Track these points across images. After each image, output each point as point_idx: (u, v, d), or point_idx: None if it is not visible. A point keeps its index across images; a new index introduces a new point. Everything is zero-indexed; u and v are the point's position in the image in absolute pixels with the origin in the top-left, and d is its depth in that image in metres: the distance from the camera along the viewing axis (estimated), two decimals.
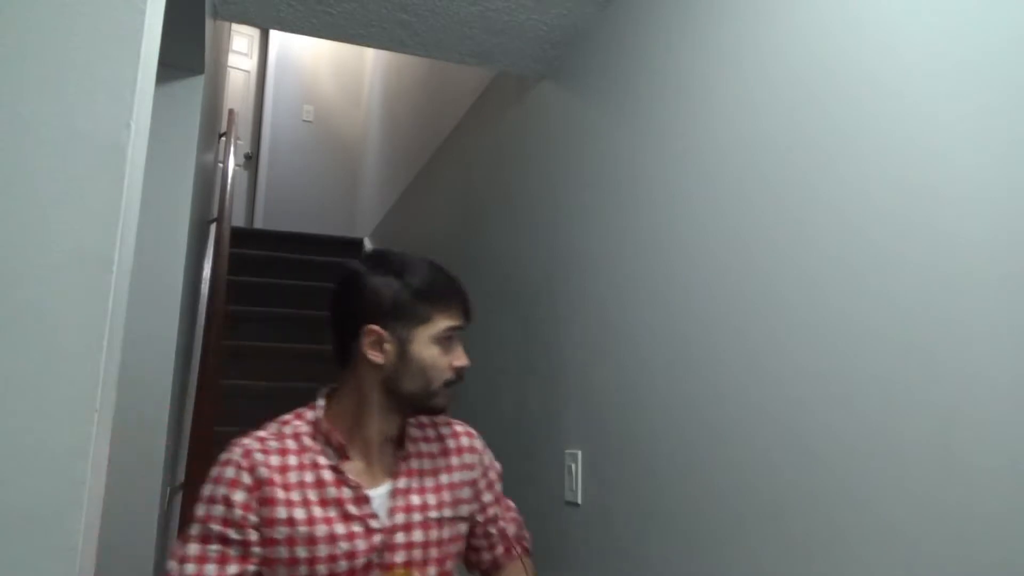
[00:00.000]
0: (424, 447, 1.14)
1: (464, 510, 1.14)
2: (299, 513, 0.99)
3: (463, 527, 1.14)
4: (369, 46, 2.10)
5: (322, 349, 3.69)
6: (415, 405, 1.07)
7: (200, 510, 0.99)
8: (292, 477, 1.01)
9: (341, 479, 1.02)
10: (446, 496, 1.11)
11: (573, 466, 1.80)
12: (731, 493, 1.27)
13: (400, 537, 1.04)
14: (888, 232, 1.01)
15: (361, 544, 1.01)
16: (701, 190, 1.44)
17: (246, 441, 1.02)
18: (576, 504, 1.78)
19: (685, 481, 1.40)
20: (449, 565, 1.10)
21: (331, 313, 1.11)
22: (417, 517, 1.06)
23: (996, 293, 0.87)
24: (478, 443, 1.23)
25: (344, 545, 1.00)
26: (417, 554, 1.05)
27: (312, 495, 1.01)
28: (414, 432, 1.14)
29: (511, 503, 1.28)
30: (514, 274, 2.31)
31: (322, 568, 0.98)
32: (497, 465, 1.26)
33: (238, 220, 5.32)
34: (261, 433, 1.05)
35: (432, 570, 1.05)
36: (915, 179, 0.98)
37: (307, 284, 4.20)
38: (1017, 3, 0.88)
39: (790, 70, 1.22)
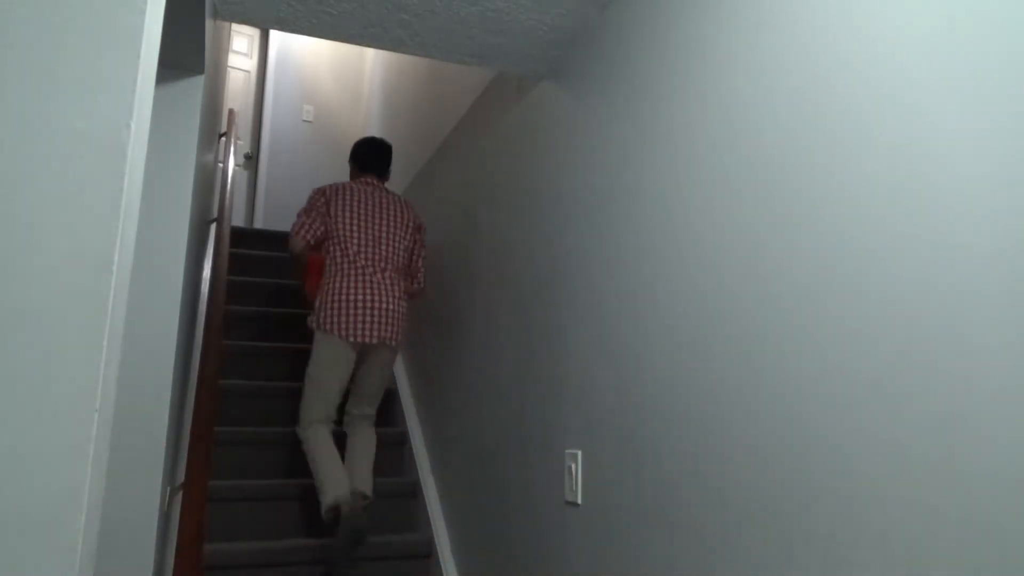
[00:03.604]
0: None
1: None
2: None
3: None
4: (369, 46, 2.11)
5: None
6: None
7: None
8: None
9: None
10: None
11: (573, 466, 1.81)
12: (731, 494, 1.28)
13: None
14: (887, 237, 1.01)
15: None
16: (700, 191, 1.44)
17: None
18: (576, 504, 1.79)
19: (685, 481, 1.40)
20: None
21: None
22: None
23: (995, 298, 0.87)
24: None
25: None
26: None
27: None
28: None
29: None
30: (514, 274, 2.31)
31: None
32: None
33: (238, 220, 5.32)
34: None
35: None
36: (914, 184, 0.98)
37: None
38: (1017, 10, 0.88)
39: (790, 73, 1.23)
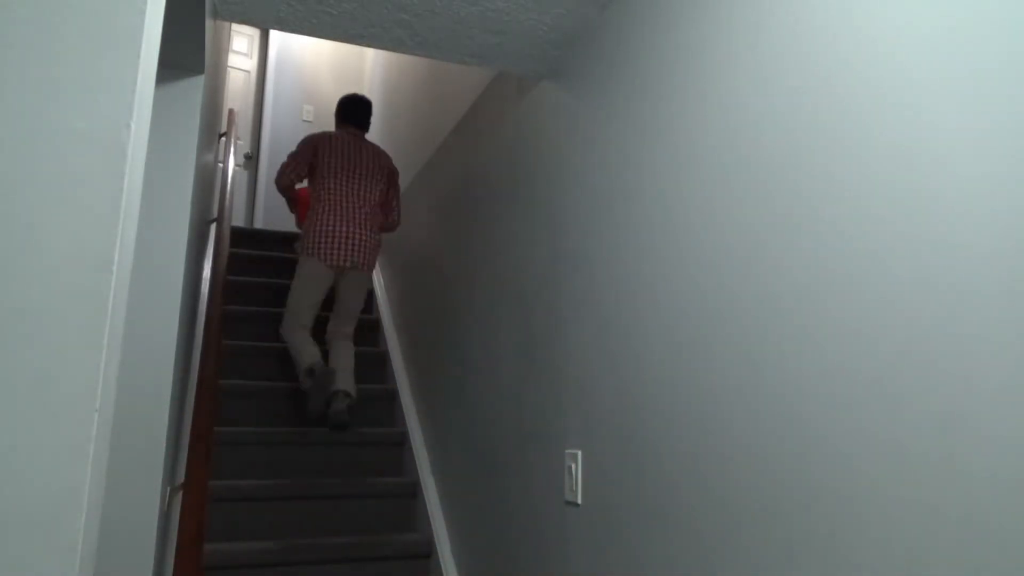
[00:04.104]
0: None
1: None
2: None
3: None
4: (369, 46, 2.11)
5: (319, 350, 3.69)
6: None
7: None
8: None
9: None
10: None
11: (573, 466, 1.81)
12: (731, 494, 1.28)
13: None
14: (887, 237, 1.01)
15: None
16: (699, 191, 1.44)
17: None
18: (576, 504, 1.79)
19: (685, 481, 1.40)
20: None
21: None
22: None
23: (995, 298, 0.87)
24: None
25: None
26: None
27: None
28: None
29: None
30: (514, 274, 2.31)
31: None
32: None
33: (238, 220, 5.32)
34: None
35: None
36: (914, 184, 0.98)
37: None
38: (1017, 10, 0.88)
39: (790, 73, 1.23)
